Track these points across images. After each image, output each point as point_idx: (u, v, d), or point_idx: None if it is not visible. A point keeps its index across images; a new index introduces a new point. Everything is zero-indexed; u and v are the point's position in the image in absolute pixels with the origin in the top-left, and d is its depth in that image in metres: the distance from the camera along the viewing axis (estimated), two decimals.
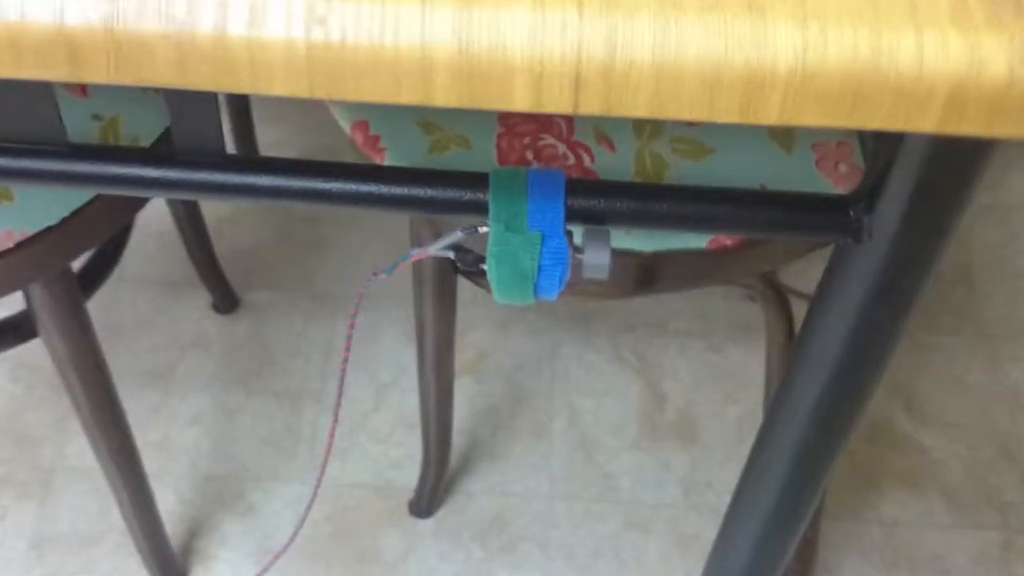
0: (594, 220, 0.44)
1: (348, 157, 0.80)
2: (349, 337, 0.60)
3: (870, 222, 0.44)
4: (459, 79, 0.30)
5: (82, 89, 0.75)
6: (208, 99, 0.41)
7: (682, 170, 0.73)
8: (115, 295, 1.31)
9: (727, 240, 0.72)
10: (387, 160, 0.75)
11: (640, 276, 0.74)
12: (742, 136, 0.74)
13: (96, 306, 1.29)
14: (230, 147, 1.38)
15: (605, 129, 0.74)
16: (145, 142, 0.75)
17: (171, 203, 1.20)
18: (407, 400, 1.24)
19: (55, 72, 0.30)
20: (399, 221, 1.41)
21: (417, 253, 0.47)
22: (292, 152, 1.52)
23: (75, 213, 0.72)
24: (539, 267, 0.43)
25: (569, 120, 0.74)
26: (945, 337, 1.33)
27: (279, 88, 0.31)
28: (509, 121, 0.74)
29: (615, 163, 0.73)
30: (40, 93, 0.41)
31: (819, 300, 0.49)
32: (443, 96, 0.31)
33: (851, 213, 0.44)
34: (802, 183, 0.73)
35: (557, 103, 0.31)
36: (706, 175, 0.73)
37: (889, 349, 0.48)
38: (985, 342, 1.32)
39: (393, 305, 1.32)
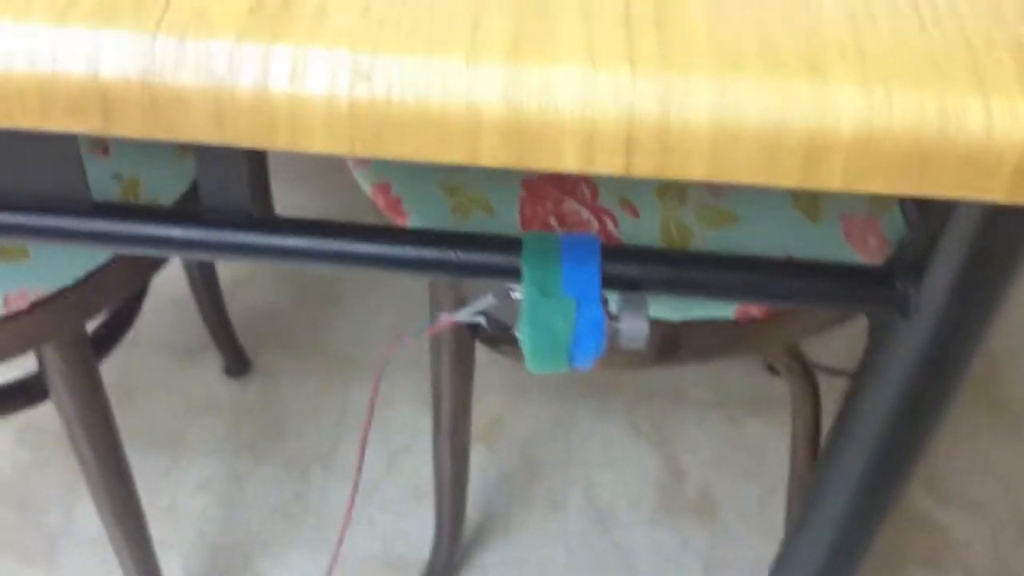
0: (630, 287, 0.42)
1: (367, 220, 0.80)
2: (371, 407, 0.58)
3: (917, 295, 0.42)
4: (507, 138, 0.29)
5: (103, 148, 0.74)
6: (237, 159, 0.40)
7: (707, 238, 0.72)
8: (127, 358, 1.30)
9: (756, 311, 0.71)
10: (409, 222, 0.74)
11: (665, 346, 0.72)
12: (767, 206, 0.73)
13: (107, 369, 1.28)
14: None
15: (629, 195, 0.73)
16: (165, 203, 0.74)
17: (187, 264, 1.19)
18: (420, 468, 1.21)
19: (86, 125, 0.29)
20: (416, 283, 1.40)
21: (446, 318, 0.46)
22: (310, 215, 1.52)
23: (91, 274, 0.71)
24: (574, 335, 0.41)
25: (593, 186, 0.74)
26: (967, 415, 1.30)
27: (319, 145, 0.30)
28: (532, 185, 0.73)
29: (639, 229, 0.72)
30: (65, 150, 0.41)
31: (863, 376, 0.47)
32: (490, 155, 0.30)
33: (897, 285, 0.43)
34: (829, 254, 0.72)
35: (608, 164, 0.30)
36: (731, 243, 0.72)
37: (936, 425, 0.46)
38: (1008, 420, 1.30)
39: (407, 369, 1.30)
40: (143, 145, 0.75)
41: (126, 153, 0.75)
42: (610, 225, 0.72)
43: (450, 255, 0.43)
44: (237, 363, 1.29)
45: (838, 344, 1.29)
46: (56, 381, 0.75)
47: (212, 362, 1.30)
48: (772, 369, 1.32)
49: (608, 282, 0.42)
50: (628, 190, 0.73)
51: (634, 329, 0.42)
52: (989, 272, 0.41)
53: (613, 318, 0.43)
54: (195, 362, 1.30)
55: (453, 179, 0.75)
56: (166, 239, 0.42)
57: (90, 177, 0.73)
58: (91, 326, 0.85)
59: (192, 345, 1.32)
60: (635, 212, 0.73)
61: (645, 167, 0.30)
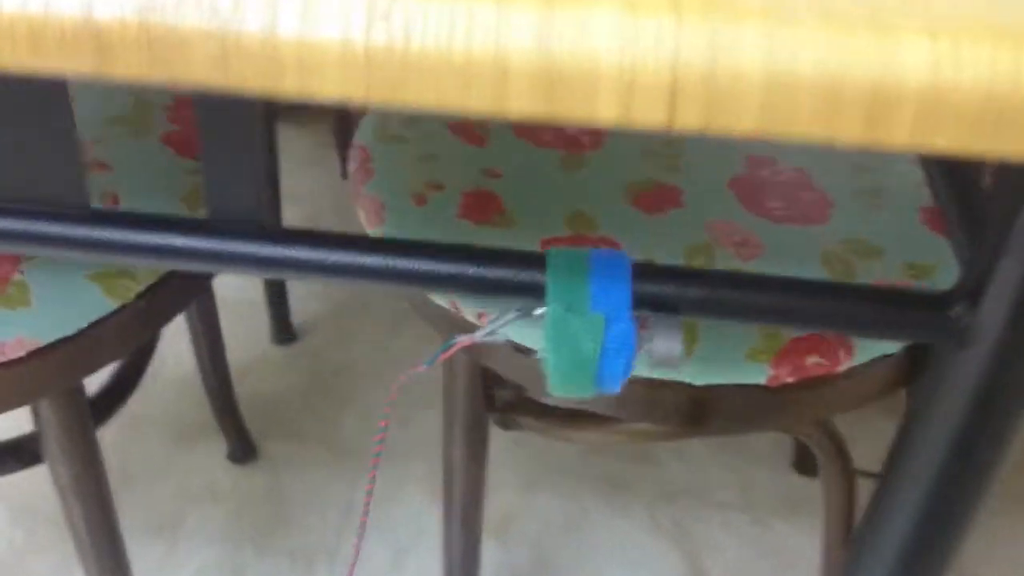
0: (663, 308, 0.39)
1: None
2: (378, 450, 0.54)
3: (974, 322, 0.39)
4: (538, 86, 0.26)
5: (113, 199, 0.72)
6: (245, 165, 0.38)
7: None
8: (128, 439, 1.26)
9: (787, 376, 0.67)
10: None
11: (690, 413, 0.68)
12: (799, 269, 0.70)
13: (107, 449, 1.24)
14: None
15: (655, 256, 0.70)
16: None
17: (195, 341, 1.16)
18: (426, 567, 1.15)
19: (79, 64, 0.27)
20: (425, 375, 1.37)
21: (463, 340, 0.42)
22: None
23: (92, 325, 0.68)
24: (602, 353, 0.38)
25: (615, 244, 0.71)
26: (1007, 515, 1.24)
27: (331, 90, 0.28)
28: (557, 239, 0.71)
29: None
30: (66, 155, 0.38)
31: (916, 413, 0.44)
32: (518, 104, 0.27)
33: (953, 312, 0.39)
34: None
35: (649, 117, 0.27)
36: None
37: (996, 465, 0.42)
38: None
39: (416, 460, 1.25)
40: (154, 200, 0.73)
41: (136, 205, 0.73)
42: (645, 346, 0.69)
43: (471, 270, 0.40)
44: (242, 449, 1.25)
45: (865, 445, 1.24)
46: (51, 440, 0.72)
47: (216, 447, 1.26)
48: (801, 468, 1.26)
49: (639, 302, 0.39)
50: (654, 250, 0.71)
51: (667, 348, 0.39)
52: None
53: (644, 338, 0.39)
54: (198, 446, 1.26)
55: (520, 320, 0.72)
56: (168, 248, 0.39)
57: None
58: (91, 391, 0.81)
59: (196, 429, 1.28)
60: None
61: (690, 118, 0.27)
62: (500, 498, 1.22)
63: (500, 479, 1.24)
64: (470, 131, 0.81)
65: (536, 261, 0.39)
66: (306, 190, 1.68)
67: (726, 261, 0.71)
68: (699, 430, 0.71)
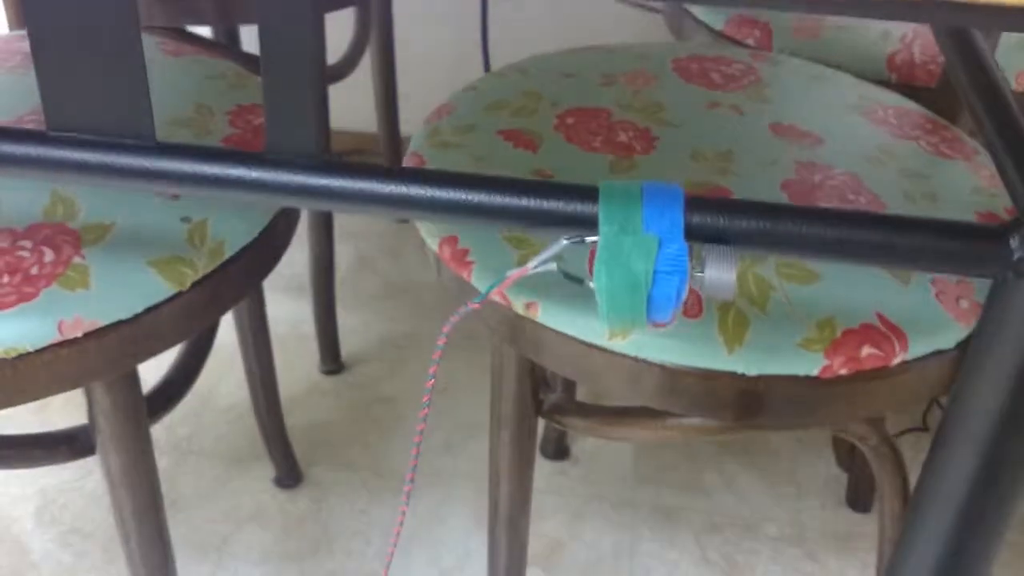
0: (716, 240, 0.39)
1: (430, 274, 0.78)
2: (430, 393, 0.54)
3: None
4: None
5: (174, 195, 0.74)
6: (303, 98, 0.39)
7: (789, 293, 0.68)
8: (178, 467, 1.26)
9: (840, 368, 0.66)
10: (475, 274, 0.72)
11: (743, 404, 0.67)
12: (852, 266, 0.70)
13: (160, 477, 1.24)
14: (306, 264, 1.38)
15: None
16: (231, 249, 0.73)
17: (248, 369, 1.18)
18: None
19: None
20: (470, 402, 1.36)
21: (515, 272, 0.42)
22: (374, 276, 1.51)
23: (149, 310, 0.69)
24: (655, 275, 0.38)
25: (696, 261, 0.71)
26: None
27: None
28: None
29: None
30: (133, 86, 0.40)
31: (975, 353, 0.43)
32: None
33: (1012, 243, 0.39)
34: (921, 318, 0.68)
35: None
36: (815, 299, 0.68)
37: None
38: None
39: (462, 484, 1.25)
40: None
41: (195, 198, 0.74)
42: (698, 275, 0.69)
43: (524, 202, 0.40)
44: (289, 475, 1.25)
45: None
46: (103, 427, 0.73)
47: (263, 472, 1.26)
48: (854, 504, 1.23)
49: (694, 234, 0.39)
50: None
51: (721, 276, 0.39)
52: None
53: (698, 267, 0.39)
54: (245, 471, 1.27)
55: (518, 230, 0.73)
56: (229, 179, 0.40)
57: (158, 221, 0.72)
58: (146, 387, 0.82)
59: (244, 456, 1.29)
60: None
61: None
62: (548, 527, 1.20)
63: (548, 508, 1.23)
64: (520, 137, 0.82)
65: (589, 193, 0.40)
66: (359, 229, 1.70)
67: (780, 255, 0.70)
68: (751, 424, 0.70)
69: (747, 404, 0.67)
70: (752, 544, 1.19)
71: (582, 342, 0.69)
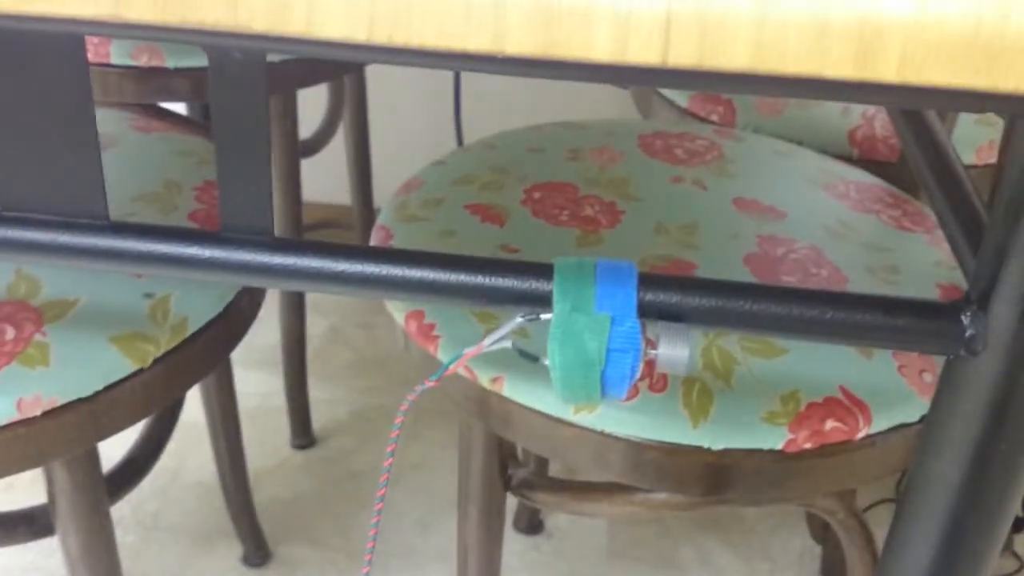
0: (670, 317, 0.39)
1: (398, 356, 0.77)
2: (380, 505, 0.54)
3: (984, 328, 0.39)
4: (535, 22, 0.27)
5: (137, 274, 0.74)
6: (260, 177, 0.39)
7: (753, 367, 0.68)
8: (144, 545, 1.24)
9: (805, 441, 0.66)
10: (441, 348, 0.72)
11: (709, 478, 0.67)
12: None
13: (124, 554, 1.22)
14: (277, 338, 1.37)
15: None
16: (194, 325, 0.73)
17: (215, 444, 1.16)
18: None
19: (96, 7, 0.28)
20: (444, 479, 1.35)
21: (470, 351, 0.42)
22: (345, 349, 1.50)
23: (109, 387, 0.68)
24: (608, 353, 0.38)
25: (649, 339, 0.71)
26: None
27: (336, 30, 0.29)
28: None
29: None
30: (85, 165, 0.40)
31: (928, 432, 0.43)
32: (516, 41, 0.28)
33: (963, 319, 0.39)
34: (884, 388, 0.68)
35: (644, 51, 0.28)
36: (779, 373, 0.68)
37: (1019, 473, 0.41)
38: None
39: (435, 565, 1.23)
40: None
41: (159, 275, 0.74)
42: (651, 352, 0.69)
43: (478, 280, 0.40)
44: (256, 553, 1.23)
45: None
46: (62, 507, 0.71)
47: (230, 550, 1.24)
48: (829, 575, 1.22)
49: (648, 311, 0.39)
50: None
51: (674, 355, 0.39)
52: None
53: (651, 344, 0.39)
54: (212, 549, 1.24)
55: (485, 307, 0.73)
56: (182, 258, 0.40)
57: (121, 297, 0.72)
58: (109, 464, 0.81)
59: (212, 533, 1.26)
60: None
61: (684, 55, 0.28)
62: None
63: None
64: (488, 211, 0.83)
65: (544, 270, 0.40)
66: (331, 303, 1.70)
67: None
68: (719, 498, 0.69)
69: (714, 478, 0.67)
70: None
71: (548, 416, 0.69)
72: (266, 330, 1.60)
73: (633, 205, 0.84)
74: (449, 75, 1.58)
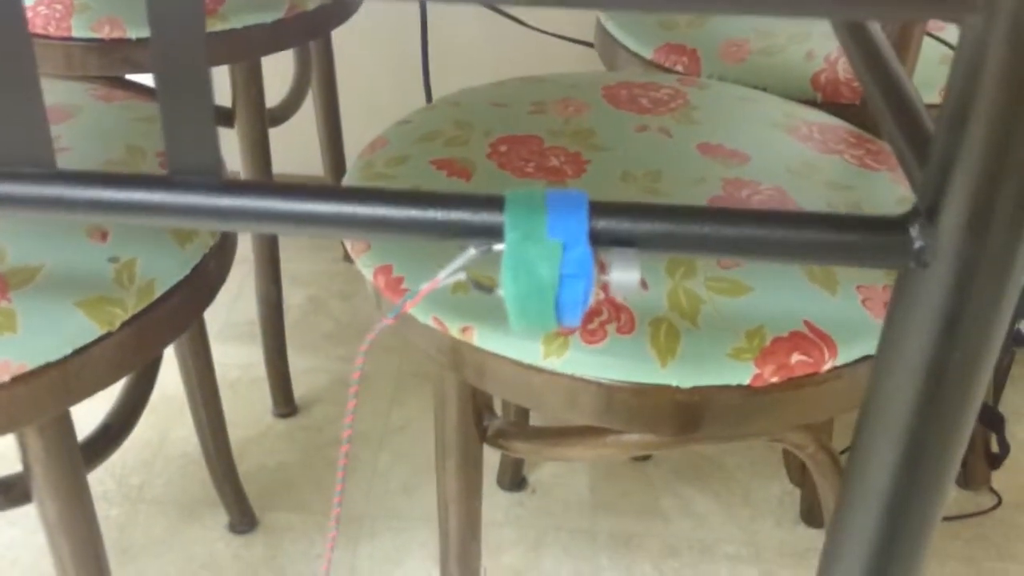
0: (621, 243, 0.40)
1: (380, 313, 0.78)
2: (355, 393, 0.54)
3: (934, 240, 0.39)
4: None
5: (102, 234, 0.74)
6: (205, 117, 0.39)
7: (719, 306, 0.69)
8: (130, 517, 1.24)
9: (772, 376, 0.67)
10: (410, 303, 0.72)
11: (680, 417, 0.68)
12: (782, 279, 0.71)
13: (108, 525, 1.22)
14: (256, 309, 1.37)
15: None
16: (161, 287, 0.73)
17: (195, 414, 1.16)
18: None
19: None
20: (429, 442, 1.36)
21: (426, 286, 0.43)
22: (325, 318, 1.50)
23: (78, 351, 0.68)
24: (561, 279, 0.38)
25: (601, 264, 0.72)
26: (1018, 565, 1.21)
27: None
28: None
29: (648, 300, 0.69)
30: (31, 113, 0.40)
31: (883, 348, 0.43)
32: None
33: (912, 232, 0.40)
34: (849, 321, 0.69)
35: None
36: (745, 311, 0.69)
37: (971, 393, 0.41)
38: None
39: (420, 526, 1.24)
40: (144, 231, 0.75)
41: (124, 236, 0.74)
42: (603, 277, 0.69)
43: (430, 214, 0.41)
44: (243, 521, 1.23)
45: None
46: (37, 473, 0.71)
47: (216, 519, 1.24)
48: (809, 520, 1.24)
49: (600, 238, 0.40)
50: None
51: (625, 277, 0.39)
52: (1005, 204, 0.38)
53: (603, 269, 0.40)
54: (198, 519, 1.25)
55: (479, 260, 0.73)
56: (129, 203, 0.40)
57: (86, 262, 0.72)
58: (82, 435, 0.81)
59: (197, 502, 1.27)
60: (643, 284, 0.70)
61: None
62: (507, 559, 1.20)
63: (507, 539, 1.22)
64: (454, 166, 0.83)
65: (495, 202, 0.40)
66: (309, 273, 1.69)
67: (709, 271, 0.71)
68: (690, 437, 0.70)
69: (684, 417, 0.68)
70: (709, 566, 1.19)
71: (519, 363, 0.70)
72: (245, 304, 1.60)
73: (598, 155, 0.84)
74: (416, 37, 1.57)
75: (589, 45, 1.35)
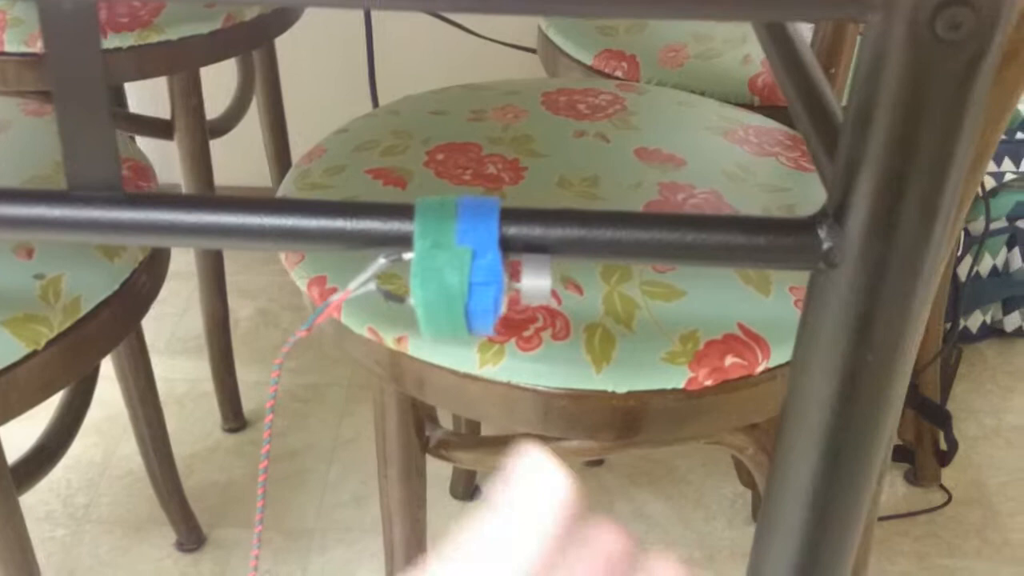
0: (534, 250, 0.39)
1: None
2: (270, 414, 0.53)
3: (841, 240, 0.39)
4: None
5: (28, 252, 0.72)
6: (104, 130, 0.38)
7: (654, 310, 0.69)
8: (75, 538, 1.22)
9: (706, 379, 0.67)
10: (344, 314, 0.72)
11: (618, 422, 0.68)
12: (715, 280, 0.71)
13: (55, 548, 1.20)
14: (200, 327, 1.34)
15: (572, 275, 0.71)
16: (88, 304, 0.71)
17: (138, 431, 1.15)
18: None
19: None
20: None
21: (339, 297, 0.42)
22: (275, 331, 1.48)
23: (3, 371, 0.67)
24: (470, 287, 0.38)
25: (513, 271, 0.71)
26: (968, 561, 1.22)
27: None
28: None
29: (583, 305, 0.69)
30: None
31: (798, 350, 0.43)
32: None
33: (820, 233, 0.40)
34: (782, 322, 0.69)
35: None
36: (679, 315, 0.69)
37: (887, 400, 0.42)
38: (1013, 565, 1.21)
39: (370, 537, 1.23)
40: (69, 247, 0.73)
41: (52, 254, 0.73)
42: (553, 303, 0.69)
43: (340, 224, 0.40)
44: (190, 538, 1.22)
45: None
46: None
47: (164, 538, 1.23)
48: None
49: (511, 245, 0.39)
50: (572, 270, 0.71)
51: (537, 286, 0.39)
52: (911, 203, 0.38)
53: (515, 276, 0.39)
54: (145, 538, 1.23)
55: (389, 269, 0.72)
56: (30, 219, 0.39)
57: (10, 279, 0.70)
58: (12, 456, 0.80)
59: (143, 520, 1.25)
60: (579, 290, 0.70)
61: None
62: None
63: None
64: (390, 175, 0.83)
65: (406, 211, 0.40)
66: (258, 286, 1.68)
67: (644, 275, 0.71)
68: (629, 442, 0.70)
69: (622, 421, 0.68)
70: None
71: (456, 372, 0.69)
72: (192, 318, 1.58)
73: (536, 161, 0.84)
74: (362, 44, 1.56)
75: (533, 52, 1.35)
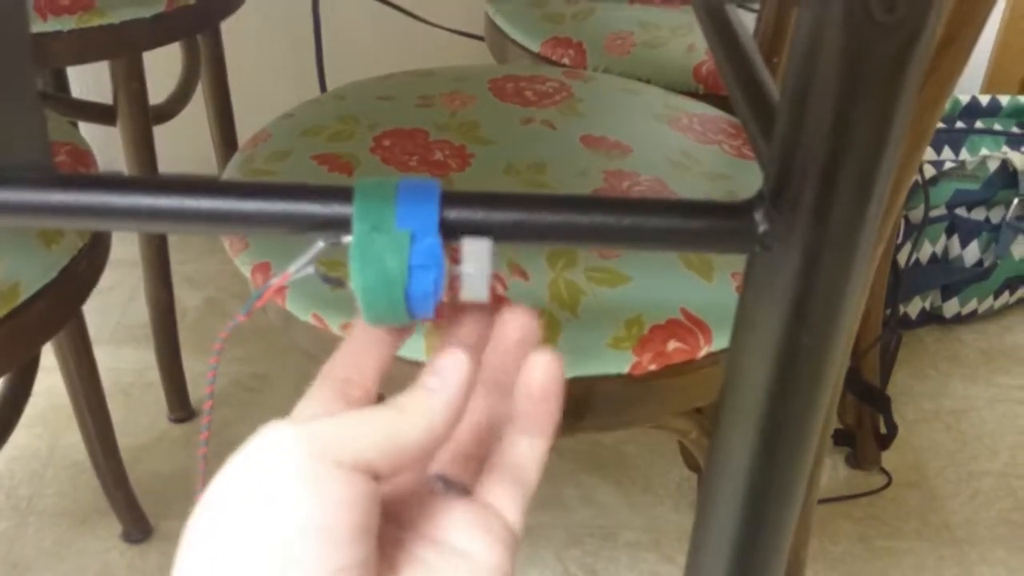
0: (476, 233, 0.39)
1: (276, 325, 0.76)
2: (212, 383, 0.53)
3: (777, 224, 0.40)
4: None
5: None
6: (31, 109, 0.37)
7: (599, 296, 0.69)
8: (19, 530, 1.20)
9: (650, 363, 0.68)
10: (289, 299, 0.71)
11: (566, 408, 0.68)
12: (659, 267, 0.72)
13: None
14: (146, 315, 1.32)
15: (519, 260, 0.71)
16: (27, 291, 0.70)
17: (80, 416, 1.13)
18: None
19: None
20: None
21: (277, 280, 0.42)
22: (222, 320, 1.47)
23: None
24: (409, 270, 0.38)
25: (454, 255, 0.71)
26: (908, 543, 1.24)
27: None
28: None
29: (529, 291, 0.69)
30: None
31: (736, 333, 0.44)
32: None
33: (756, 217, 0.40)
34: (724, 308, 0.70)
35: None
36: (624, 300, 0.69)
37: (822, 383, 0.42)
38: (952, 546, 1.24)
39: None
40: (5, 233, 0.72)
41: None
42: (499, 288, 0.69)
43: (276, 206, 0.40)
44: (137, 529, 1.21)
45: None
46: None
47: (110, 530, 1.21)
48: None
49: (452, 229, 0.39)
50: (518, 256, 0.71)
51: (479, 270, 0.39)
52: (846, 186, 0.39)
53: (455, 260, 0.39)
54: (91, 529, 1.21)
55: (332, 256, 0.72)
56: None
57: None
58: None
59: (89, 512, 1.23)
60: (524, 275, 0.71)
61: None
62: None
63: None
64: (336, 161, 0.82)
65: (346, 194, 0.39)
66: (205, 274, 1.66)
67: (589, 261, 0.72)
68: (576, 426, 0.70)
69: (568, 407, 0.68)
70: (611, 553, 1.20)
71: (402, 359, 0.69)
72: (138, 307, 1.56)
73: (483, 148, 0.84)
74: (309, 29, 1.55)
75: (481, 39, 1.35)
